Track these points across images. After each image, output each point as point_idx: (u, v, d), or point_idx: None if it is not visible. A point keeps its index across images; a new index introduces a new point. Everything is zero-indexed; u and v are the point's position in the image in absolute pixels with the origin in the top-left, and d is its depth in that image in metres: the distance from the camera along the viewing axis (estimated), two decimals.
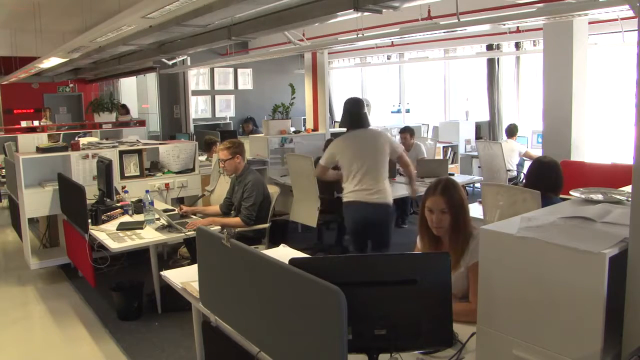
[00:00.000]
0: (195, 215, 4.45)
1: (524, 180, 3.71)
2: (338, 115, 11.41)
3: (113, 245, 3.75)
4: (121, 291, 4.10)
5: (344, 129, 4.16)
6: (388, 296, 1.67)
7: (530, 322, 1.51)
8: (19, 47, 8.49)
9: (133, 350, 3.56)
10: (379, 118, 10.57)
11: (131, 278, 4.37)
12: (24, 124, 9.81)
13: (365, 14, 3.90)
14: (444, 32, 5.14)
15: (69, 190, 4.58)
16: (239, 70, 11.30)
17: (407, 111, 10.78)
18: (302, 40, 6.07)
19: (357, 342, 1.60)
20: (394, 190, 5.58)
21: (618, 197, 1.85)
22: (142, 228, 4.06)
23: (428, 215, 2.31)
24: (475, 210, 3.60)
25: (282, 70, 11.28)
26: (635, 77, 1.40)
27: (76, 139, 5.81)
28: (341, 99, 11.78)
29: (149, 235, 3.92)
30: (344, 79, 12.22)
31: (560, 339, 1.45)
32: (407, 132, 6.74)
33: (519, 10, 4.37)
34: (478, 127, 8.79)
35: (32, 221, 5.27)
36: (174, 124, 10.67)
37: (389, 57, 10.06)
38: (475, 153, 7.74)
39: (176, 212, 4.46)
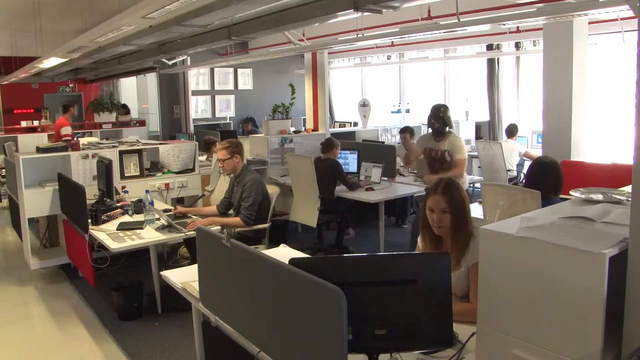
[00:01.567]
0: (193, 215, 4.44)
1: (524, 180, 3.71)
2: (338, 115, 11.41)
3: (113, 245, 3.76)
4: (121, 291, 4.10)
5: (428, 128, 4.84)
6: (388, 296, 1.67)
7: (530, 322, 1.51)
8: (19, 47, 8.49)
9: (133, 350, 3.56)
10: (379, 118, 10.55)
11: (131, 278, 4.38)
12: (24, 124, 9.81)
13: (365, 14, 3.89)
14: (444, 32, 5.12)
15: (69, 190, 4.58)
16: (239, 70, 11.30)
17: (407, 111, 10.76)
18: (302, 40, 6.06)
19: (357, 342, 1.60)
20: (393, 190, 5.62)
21: (618, 197, 1.85)
22: (142, 228, 4.06)
23: (429, 214, 2.31)
24: (475, 210, 3.60)
25: (282, 70, 11.27)
26: (635, 77, 1.40)
27: (75, 139, 5.81)
28: (341, 99, 11.86)
29: (149, 235, 3.92)
30: (344, 79, 12.20)
31: (560, 339, 1.45)
32: (407, 132, 6.76)
33: (519, 10, 4.36)
34: (478, 127, 8.78)
35: (32, 221, 5.26)
36: (174, 124, 10.67)
37: (389, 57, 10.05)
38: (475, 153, 7.73)
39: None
